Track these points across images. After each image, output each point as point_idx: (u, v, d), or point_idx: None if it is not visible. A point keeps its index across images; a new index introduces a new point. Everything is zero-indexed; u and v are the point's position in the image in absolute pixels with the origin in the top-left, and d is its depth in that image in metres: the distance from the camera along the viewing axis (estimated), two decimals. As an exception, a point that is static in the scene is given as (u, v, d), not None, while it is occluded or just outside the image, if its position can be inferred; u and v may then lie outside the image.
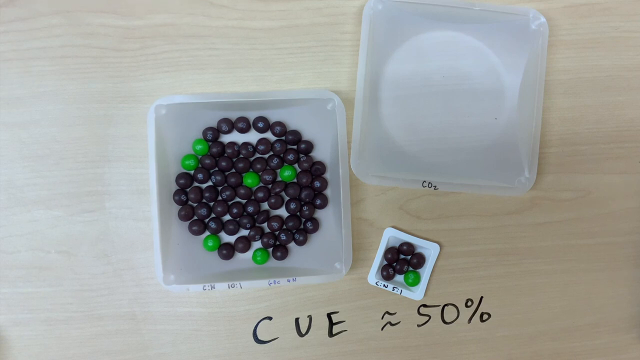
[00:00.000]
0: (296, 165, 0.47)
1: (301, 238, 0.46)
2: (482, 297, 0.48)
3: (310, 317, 0.47)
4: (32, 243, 0.45)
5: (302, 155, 0.46)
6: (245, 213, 0.46)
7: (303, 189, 0.46)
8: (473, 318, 0.48)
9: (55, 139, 0.46)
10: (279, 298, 0.47)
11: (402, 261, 0.47)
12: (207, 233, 0.46)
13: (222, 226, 0.46)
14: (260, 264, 0.46)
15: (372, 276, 0.47)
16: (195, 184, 0.46)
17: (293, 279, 0.44)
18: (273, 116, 0.47)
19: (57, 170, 0.46)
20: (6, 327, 0.45)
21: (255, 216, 0.46)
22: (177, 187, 0.46)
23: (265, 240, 0.46)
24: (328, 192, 0.47)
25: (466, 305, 0.48)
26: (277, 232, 0.46)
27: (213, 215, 0.46)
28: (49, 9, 0.45)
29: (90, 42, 0.46)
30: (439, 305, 0.48)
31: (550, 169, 0.48)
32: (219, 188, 0.46)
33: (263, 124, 0.46)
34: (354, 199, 0.47)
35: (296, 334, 0.47)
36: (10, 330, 0.45)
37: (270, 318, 0.47)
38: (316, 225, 0.46)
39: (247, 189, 0.46)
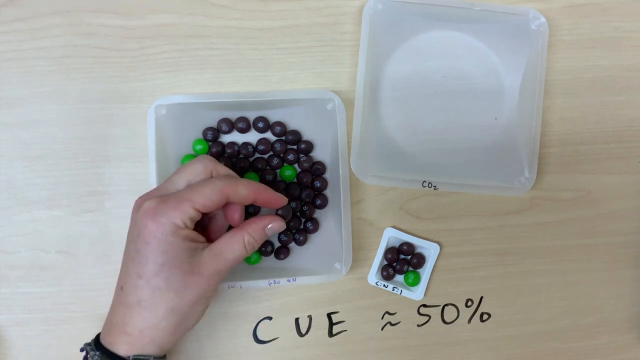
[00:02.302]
0: (296, 165, 0.47)
1: (301, 238, 0.46)
2: (482, 297, 0.48)
3: (310, 317, 0.47)
4: (32, 243, 0.45)
5: (302, 155, 0.46)
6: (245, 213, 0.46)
7: (303, 189, 0.46)
8: (473, 318, 0.48)
9: (55, 139, 0.46)
10: (279, 298, 0.47)
11: (402, 261, 0.47)
12: (207, 233, 0.46)
13: (222, 226, 0.46)
14: (253, 264, 0.46)
15: (372, 276, 0.47)
16: (195, 184, 0.46)
17: (293, 279, 0.44)
18: (273, 116, 0.47)
19: (57, 170, 0.46)
20: (6, 327, 0.45)
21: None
22: (177, 187, 0.46)
23: (262, 248, 0.46)
24: (328, 192, 0.47)
25: (466, 305, 0.48)
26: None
27: (213, 215, 0.46)
28: (49, 9, 0.45)
29: (90, 42, 0.46)
30: (439, 305, 0.48)
31: (550, 169, 0.48)
32: (219, 188, 0.46)
33: (263, 124, 0.46)
34: (354, 199, 0.47)
35: (296, 334, 0.47)
36: (10, 330, 0.45)
37: (270, 318, 0.47)
38: (316, 225, 0.46)
39: (247, 189, 0.46)
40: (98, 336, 0.38)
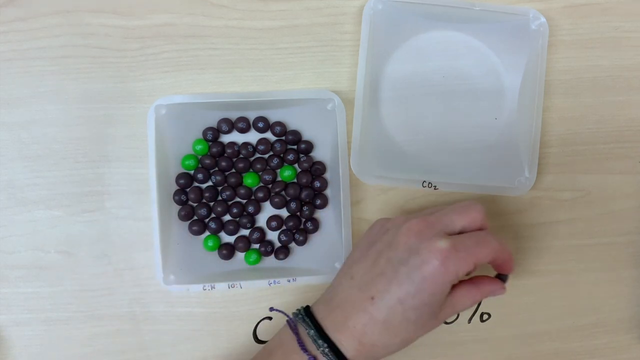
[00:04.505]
0: (296, 165, 0.47)
1: (301, 238, 0.46)
2: (482, 297, 0.48)
3: (310, 317, 0.47)
4: (32, 243, 0.45)
5: (302, 155, 0.46)
6: (245, 213, 0.46)
7: (303, 189, 0.46)
8: (473, 318, 0.48)
9: (55, 139, 0.46)
10: (279, 298, 0.47)
11: (402, 261, 0.47)
12: (207, 233, 0.46)
13: (222, 226, 0.46)
14: (253, 265, 0.46)
15: (373, 276, 0.46)
16: (195, 184, 0.46)
17: (293, 279, 0.44)
18: (273, 116, 0.47)
19: (57, 170, 0.46)
20: (6, 327, 0.45)
21: (256, 216, 0.46)
22: (177, 187, 0.46)
23: (262, 249, 0.46)
24: (328, 192, 0.47)
25: (466, 305, 0.48)
26: (277, 232, 0.46)
27: (213, 215, 0.46)
28: (49, 9, 0.45)
29: (90, 42, 0.46)
30: (439, 305, 0.48)
31: (550, 169, 0.48)
32: (219, 188, 0.46)
33: (263, 124, 0.46)
34: (354, 199, 0.47)
35: (296, 334, 0.47)
36: (10, 330, 0.45)
37: (270, 318, 0.47)
38: (316, 225, 0.46)
39: (247, 189, 0.46)
40: (310, 315, 0.38)
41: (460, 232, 0.37)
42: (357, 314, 0.36)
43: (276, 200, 0.46)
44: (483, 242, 0.36)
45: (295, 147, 0.47)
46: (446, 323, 0.48)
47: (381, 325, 0.35)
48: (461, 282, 0.39)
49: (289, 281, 0.44)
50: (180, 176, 0.46)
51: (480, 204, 0.38)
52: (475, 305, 0.48)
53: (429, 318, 0.36)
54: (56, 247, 0.46)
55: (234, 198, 0.46)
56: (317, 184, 0.46)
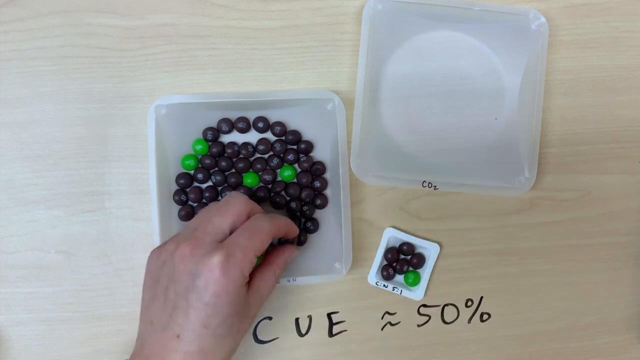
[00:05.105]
0: (296, 165, 0.47)
1: (301, 238, 0.46)
2: (482, 297, 0.48)
3: (310, 317, 0.47)
4: (32, 243, 0.45)
5: (302, 155, 0.46)
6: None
7: (303, 189, 0.46)
8: (473, 318, 0.48)
9: (55, 139, 0.46)
10: (279, 298, 0.47)
11: (402, 261, 0.47)
12: (207, 233, 0.46)
13: (222, 226, 0.46)
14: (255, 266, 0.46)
15: (372, 276, 0.47)
16: (195, 184, 0.46)
17: (293, 279, 0.44)
18: (273, 116, 0.47)
19: (57, 170, 0.46)
20: (6, 327, 0.45)
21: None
22: (177, 187, 0.46)
23: None
24: (328, 192, 0.47)
25: (466, 305, 0.48)
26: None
27: (213, 215, 0.46)
28: (49, 9, 0.46)
29: (90, 42, 0.46)
30: (439, 305, 0.48)
31: (550, 169, 0.48)
32: (219, 188, 0.46)
33: (263, 124, 0.46)
34: (354, 199, 0.47)
35: (296, 334, 0.47)
36: (10, 330, 0.45)
37: (270, 318, 0.47)
38: (316, 225, 0.46)
39: (247, 189, 0.46)
40: None
41: (233, 230, 0.37)
42: (170, 356, 0.35)
43: (276, 200, 0.46)
44: (255, 233, 0.37)
45: (295, 147, 0.47)
46: (446, 323, 0.48)
47: (198, 355, 0.35)
48: (255, 269, 0.39)
49: (289, 281, 0.44)
50: (180, 176, 0.46)
51: (238, 193, 0.40)
52: (475, 305, 0.48)
53: (241, 322, 0.37)
54: (56, 247, 0.46)
55: (234, 198, 0.46)
56: (317, 184, 0.46)
